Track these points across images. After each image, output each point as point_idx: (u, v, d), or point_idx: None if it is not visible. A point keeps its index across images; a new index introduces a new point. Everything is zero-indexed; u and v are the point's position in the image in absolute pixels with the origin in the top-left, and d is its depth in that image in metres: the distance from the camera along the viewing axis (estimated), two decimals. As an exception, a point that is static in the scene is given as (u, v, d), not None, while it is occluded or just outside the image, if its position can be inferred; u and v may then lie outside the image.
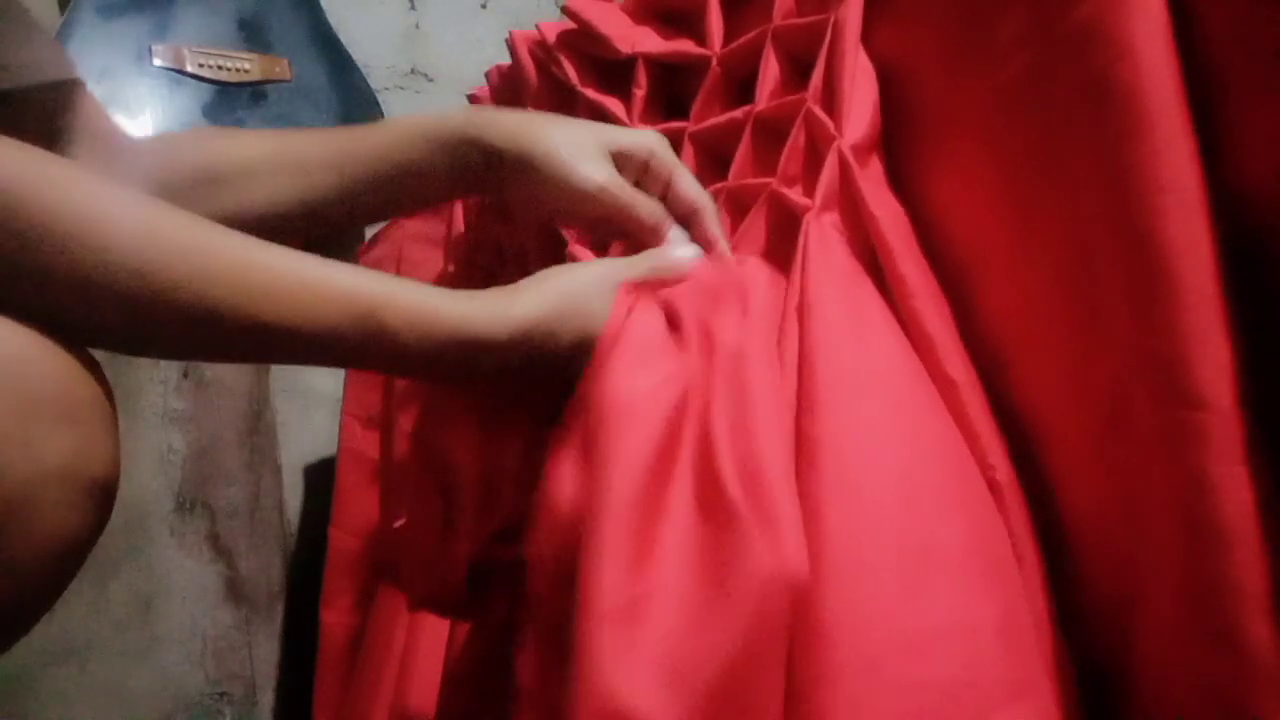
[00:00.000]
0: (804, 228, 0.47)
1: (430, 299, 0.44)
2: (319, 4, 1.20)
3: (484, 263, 0.77)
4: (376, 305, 0.42)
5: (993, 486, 0.42)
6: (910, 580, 0.37)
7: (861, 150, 0.49)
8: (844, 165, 0.48)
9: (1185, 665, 0.35)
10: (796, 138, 0.51)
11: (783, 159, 0.51)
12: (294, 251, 0.42)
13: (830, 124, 0.49)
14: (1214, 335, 0.34)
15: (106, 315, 0.39)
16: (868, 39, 0.51)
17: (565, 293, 0.47)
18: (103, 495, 0.38)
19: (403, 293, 0.44)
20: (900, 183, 0.50)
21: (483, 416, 0.53)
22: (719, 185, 0.55)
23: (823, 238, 0.47)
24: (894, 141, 0.51)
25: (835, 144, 0.48)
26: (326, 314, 0.42)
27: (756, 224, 0.52)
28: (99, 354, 0.40)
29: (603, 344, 0.45)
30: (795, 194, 0.50)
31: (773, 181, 0.51)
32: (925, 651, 0.36)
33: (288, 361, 0.45)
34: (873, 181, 0.48)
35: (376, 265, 0.95)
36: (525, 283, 0.48)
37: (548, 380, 0.47)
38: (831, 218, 0.48)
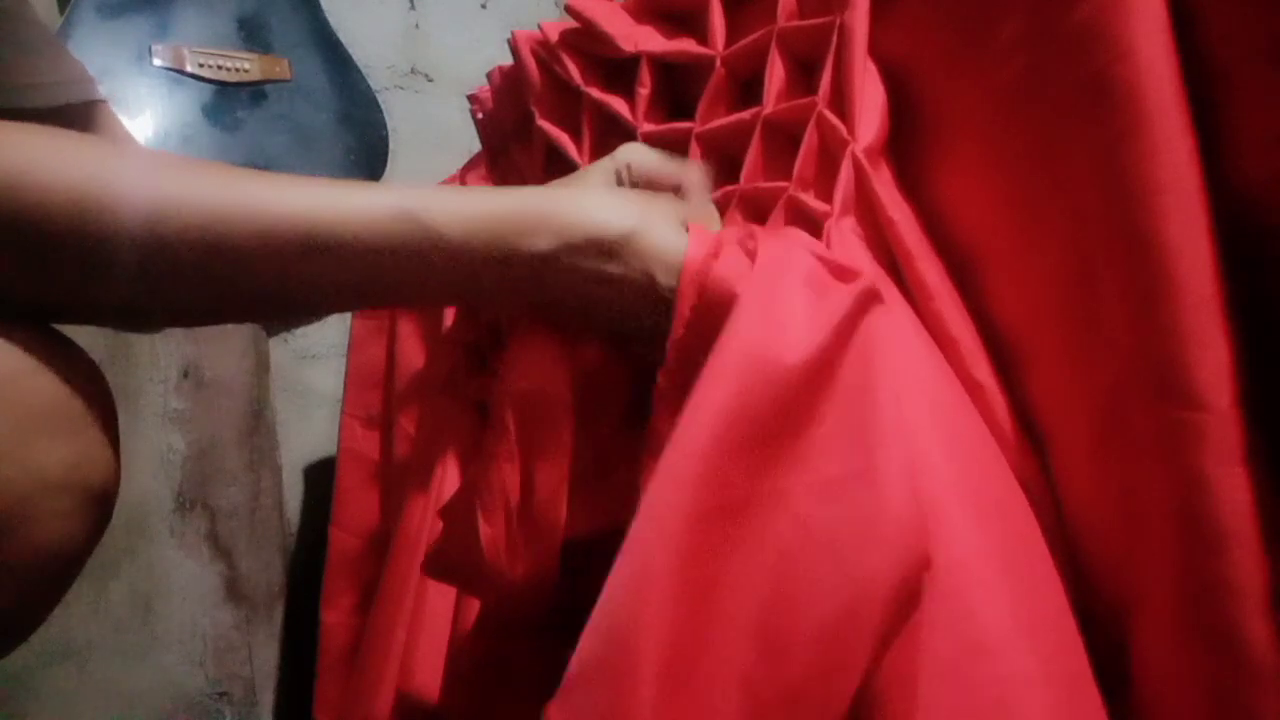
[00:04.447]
0: (825, 234, 0.47)
1: (467, 190, 0.44)
2: (319, 4, 1.20)
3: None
4: (414, 204, 0.42)
5: (1024, 486, 0.42)
6: (977, 582, 0.38)
7: (873, 153, 0.49)
8: (859, 170, 0.48)
9: (1185, 665, 0.35)
10: (809, 141, 0.51)
11: (798, 163, 0.51)
12: (314, 180, 0.42)
13: (842, 128, 0.49)
14: (1212, 336, 0.34)
15: (121, 284, 0.38)
16: (870, 40, 0.51)
17: (632, 192, 0.47)
18: (102, 504, 0.38)
19: (437, 191, 0.43)
20: (904, 184, 0.50)
21: (565, 341, 0.47)
22: (731, 188, 0.55)
23: (845, 244, 0.47)
24: (897, 142, 0.51)
25: (850, 148, 0.48)
26: (360, 215, 0.41)
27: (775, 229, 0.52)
28: (98, 356, 0.40)
29: (695, 268, 0.43)
30: (810, 198, 0.50)
31: (789, 186, 0.51)
32: (997, 651, 0.36)
33: (326, 298, 0.43)
34: (885, 184, 0.49)
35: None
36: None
37: (614, 299, 0.45)
38: (849, 222, 0.48)
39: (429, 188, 0.44)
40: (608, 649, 0.35)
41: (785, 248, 0.44)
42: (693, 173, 0.51)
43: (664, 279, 0.44)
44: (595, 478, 0.47)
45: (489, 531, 0.45)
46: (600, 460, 0.47)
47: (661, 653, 0.35)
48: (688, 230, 0.46)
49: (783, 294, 0.41)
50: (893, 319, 0.44)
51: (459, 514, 0.48)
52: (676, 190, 0.51)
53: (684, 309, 0.42)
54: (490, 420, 0.46)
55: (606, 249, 0.44)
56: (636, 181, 0.52)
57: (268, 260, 0.39)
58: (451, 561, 0.50)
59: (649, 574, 0.36)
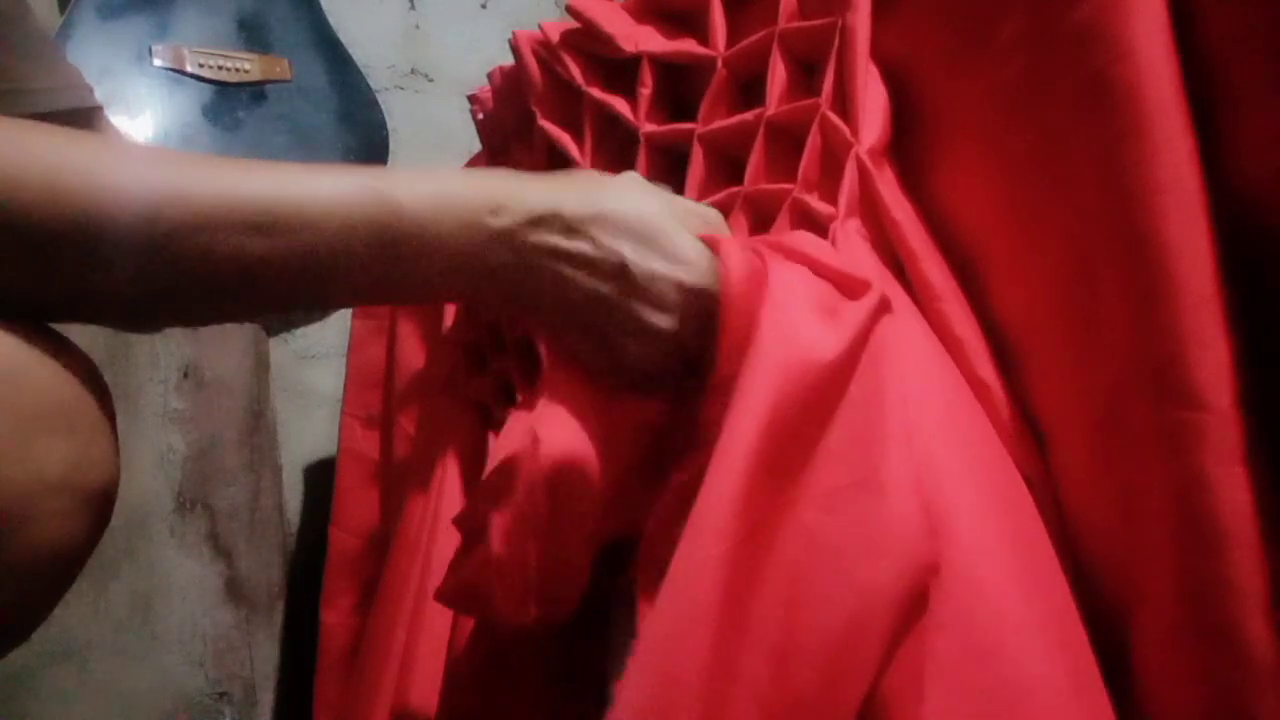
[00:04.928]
0: (830, 236, 0.47)
1: (435, 171, 0.44)
2: (319, 4, 1.20)
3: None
4: (386, 188, 0.42)
5: (1029, 485, 0.42)
6: (984, 584, 0.38)
7: (876, 155, 0.49)
8: (863, 171, 0.48)
9: (1185, 665, 0.35)
10: (813, 143, 0.51)
11: (802, 165, 0.51)
12: (285, 163, 0.42)
13: (846, 129, 0.49)
14: (1212, 335, 0.34)
15: (118, 275, 0.38)
16: (871, 41, 0.51)
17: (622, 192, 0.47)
18: (102, 503, 0.38)
19: (410, 175, 0.44)
20: (907, 184, 0.50)
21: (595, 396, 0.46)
22: (735, 190, 0.55)
23: (850, 246, 0.47)
24: (898, 143, 0.51)
25: (853, 150, 0.48)
26: (334, 197, 0.41)
27: (782, 232, 0.52)
28: (98, 356, 0.40)
29: (739, 286, 0.42)
30: (815, 200, 0.50)
31: (794, 188, 0.51)
32: (1004, 652, 0.36)
33: (304, 291, 0.43)
34: (889, 185, 0.49)
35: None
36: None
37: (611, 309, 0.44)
38: (854, 224, 0.48)
39: (408, 172, 0.44)
40: (656, 693, 0.35)
41: (792, 274, 0.44)
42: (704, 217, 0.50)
43: (633, 256, 0.43)
44: (609, 504, 0.47)
45: (506, 599, 0.45)
46: (616, 491, 0.47)
47: (703, 688, 0.34)
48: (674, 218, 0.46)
49: (798, 319, 0.41)
50: (901, 323, 0.44)
51: (474, 577, 0.47)
52: None
53: (731, 340, 0.41)
54: (513, 488, 0.44)
55: (568, 223, 0.44)
56: None
57: (231, 241, 0.39)
58: (466, 607, 0.50)
59: (693, 614, 0.35)
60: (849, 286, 0.43)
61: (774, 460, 0.38)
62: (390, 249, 0.42)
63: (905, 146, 0.51)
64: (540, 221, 0.43)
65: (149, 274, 0.39)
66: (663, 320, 0.44)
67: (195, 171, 0.40)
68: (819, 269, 0.45)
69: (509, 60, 0.75)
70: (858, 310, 0.41)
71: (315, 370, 1.20)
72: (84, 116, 0.52)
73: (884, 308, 0.42)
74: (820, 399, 0.39)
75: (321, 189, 0.41)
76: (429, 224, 0.42)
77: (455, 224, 0.43)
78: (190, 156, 0.42)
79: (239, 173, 0.41)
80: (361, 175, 0.42)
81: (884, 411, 0.39)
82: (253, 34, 1.15)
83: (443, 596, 0.50)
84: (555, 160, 0.70)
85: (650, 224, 0.45)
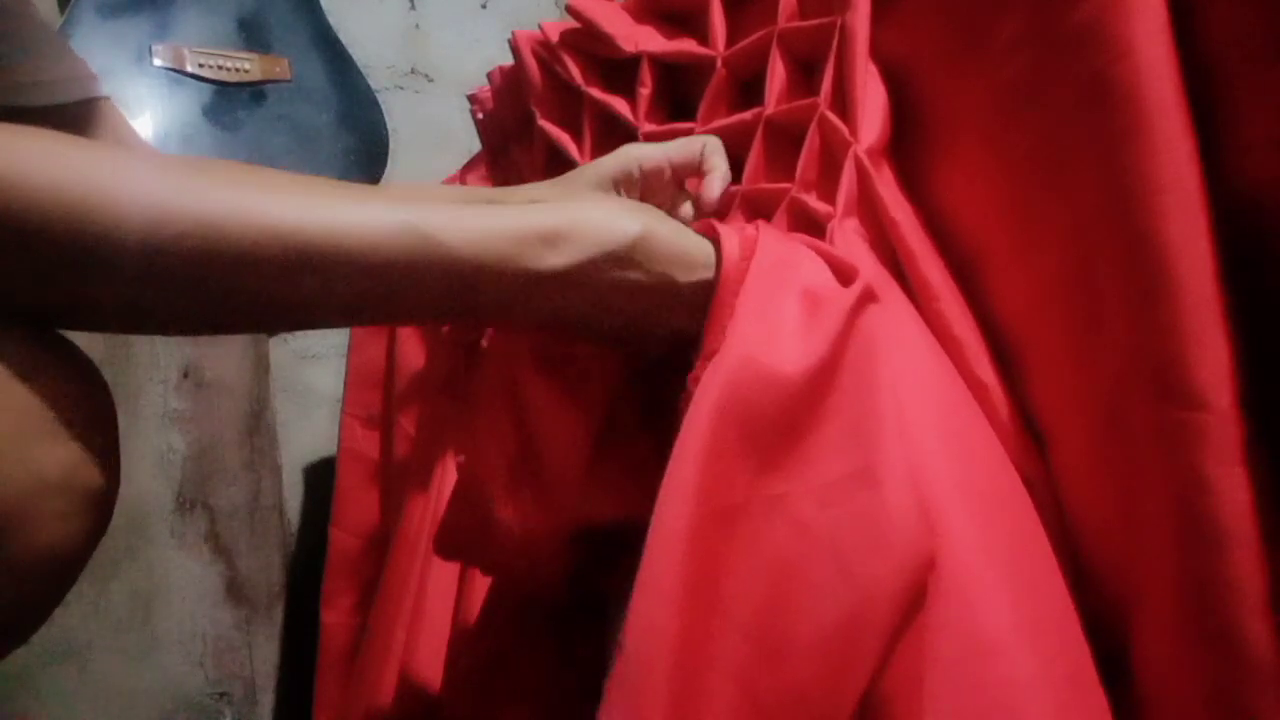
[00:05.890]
0: (828, 235, 0.47)
1: (473, 207, 0.42)
2: (319, 4, 1.20)
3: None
4: (415, 215, 0.40)
5: (1028, 485, 0.42)
6: (980, 583, 0.38)
7: (875, 154, 0.49)
8: (862, 171, 0.48)
9: (1185, 665, 0.35)
10: (812, 142, 0.51)
11: (800, 165, 0.51)
12: (317, 179, 0.41)
13: (844, 129, 0.49)
14: (1212, 335, 0.34)
15: (118, 286, 0.37)
16: (870, 41, 0.51)
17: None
18: (102, 505, 0.38)
19: (445, 207, 0.42)
20: (906, 184, 0.50)
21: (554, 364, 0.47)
22: (733, 189, 0.55)
23: (848, 245, 0.47)
24: (898, 143, 0.51)
25: (852, 149, 0.48)
26: (367, 231, 0.39)
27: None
28: (98, 356, 0.40)
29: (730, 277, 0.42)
30: (813, 199, 0.50)
31: (791, 188, 0.51)
32: (1001, 651, 0.36)
33: (327, 313, 0.41)
34: (887, 185, 0.49)
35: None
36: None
37: (620, 308, 0.44)
38: (852, 223, 0.48)
39: (434, 198, 0.43)
40: (628, 660, 0.35)
41: (789, 251, 0.44)
42: (703, 141, 0.50)
43: (683, 277, 0.43)
44: (618, 459, 0.47)
45: (494, 489, 0.44)
46: (623, 441, 0.47)
47: (671, 660, 0.35)
48: (692, 227, 0.46)
49: (780, 299, 0.41)
50: (894, 319, 0.44)
51: (463, 482, 0.47)
52: (697, 169, 0.50)
53: (721, 323, 0.41)
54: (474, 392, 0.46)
55: (621, 256, 0.43)
56: (648, 176, 0.52)
57: (265, 273, 0.38)
58: (461, 530, 0.48)
59: (657, 581, 0.36)
60: (842, 270, 0.43)
61: (739, 445, 0.38)
62: (426, 291, 0.41)
63: (905, 146, 0.51)
64: (592, 261, 0.42)
65: (152, 290, 0.38)
66: (694, 320, 0.44)
67: (214, 193, 0.38)
68: (815, 248, 0.45)
69: (509, 60, 0.75)
70: (841, 301, 0.41)
71: (315, 370, 1.20)
72: (93, 108, 0.52)
73: (868, 297, 0.42)
74: (801, 391, 0.39)
75: (360, 231, 0.39)
76: (471, 265, 0.41)
77: (501, 269, 0.41)
78: (209, 170, 0.40)
79: (266, 197, 0.39)
80: (402, 210, 0.40)
81: (878, 403, 0.39)
82: (253, 34, 1.15)
83: (440, 542, 0.50)
84: (554, 160, 0.70)
85: (678, 238, 0.44)
